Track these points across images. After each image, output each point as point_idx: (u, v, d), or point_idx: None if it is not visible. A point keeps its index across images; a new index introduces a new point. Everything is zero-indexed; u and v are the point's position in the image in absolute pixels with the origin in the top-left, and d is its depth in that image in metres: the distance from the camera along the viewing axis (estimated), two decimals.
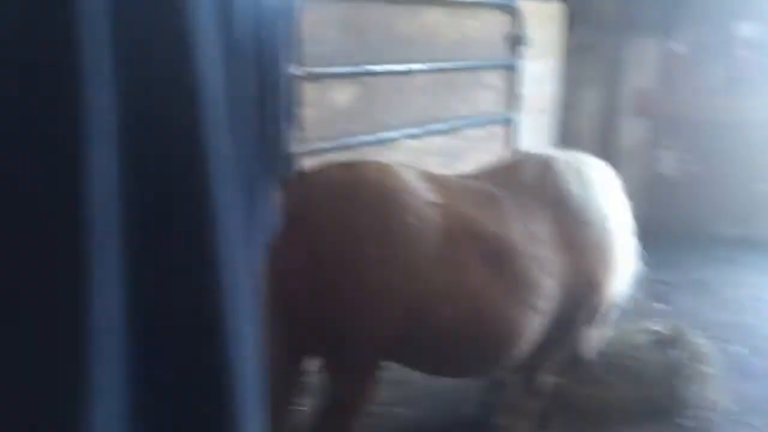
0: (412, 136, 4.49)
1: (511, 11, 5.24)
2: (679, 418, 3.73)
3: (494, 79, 5.30)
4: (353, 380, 2.58)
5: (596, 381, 3.82)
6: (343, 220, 2.40)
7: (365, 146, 4.15)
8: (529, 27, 5.43)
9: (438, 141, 4.85)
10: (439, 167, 4.77)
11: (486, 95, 5.24)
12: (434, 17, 4.58)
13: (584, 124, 8.04)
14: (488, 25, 5.11)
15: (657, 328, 4.18)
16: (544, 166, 2.99)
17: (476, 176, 3.03)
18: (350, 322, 2.43)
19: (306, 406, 3.53)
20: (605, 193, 3.08)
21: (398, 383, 4.00)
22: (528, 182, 2.90)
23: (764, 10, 6.75)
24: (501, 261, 2.66)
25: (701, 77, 7.20)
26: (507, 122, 5.48)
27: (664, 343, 4.02)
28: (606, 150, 7.83)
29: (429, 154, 4.78)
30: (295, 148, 3.52)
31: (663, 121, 7.50)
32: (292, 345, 2.51)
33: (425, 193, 2.54)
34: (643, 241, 5.14)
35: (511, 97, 5.44)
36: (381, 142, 4.26)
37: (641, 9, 7.38)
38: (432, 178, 2.67)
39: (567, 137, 7.94)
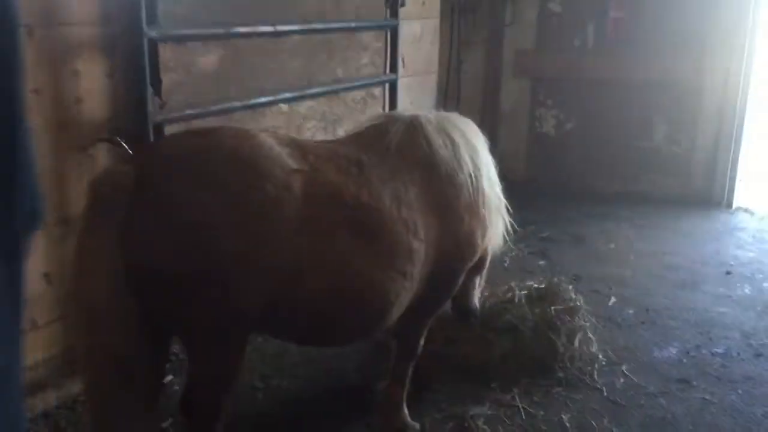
0: (286, 101, 4.35)
1: None
2: (557, 370, 3.83)
3: (372, 40, 5.21)
4: (217, 355, 2.46)
5: (475, 339, 3.87)
6: (196, 191, 2.26)
7: (235, 112, 3.98)
8: None
9: (316, 105, 4.73)
10: (318, 132, 4.68)
11: (364, 57, 5.14)
12: None
13: (467, 85, 8.11)
14: None
15: (533, 283, 4.26)
16: (410, 127, 2.94)
17: (342, 141, 2.95)
18: (209, 294, 2.31)
19: (175, 383, 3.42)
20: (473, 153, 3.06)
21: (277, 355, 3.94)
22: (395, 145, 2.84)
23: None
24: (368, 228, 2.59)
25: (576, 37, 7.36)
26: (387, 84, 5.41)
27: (540, 298, 4.10)
28: (488, 110, 7.95)
29: (306, 118, 4.66)
30: (155, 115, 3.34)
31: (542, 81, 7.64)
32: (155, 322, 2.37)
33: (286, 159, 2.43)
34: (524, 199, 5.27)
35: (391, 58, 5.36)
36: (252, 108, 4.10)
37: None
38: (294, 144, 2.56)
39: (450, 98, 8.00)
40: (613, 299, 4.86)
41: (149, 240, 2.24)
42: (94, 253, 2.23)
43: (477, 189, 3.00)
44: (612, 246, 5.91)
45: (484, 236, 3.14)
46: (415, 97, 5.88)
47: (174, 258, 2.25)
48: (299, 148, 2.54)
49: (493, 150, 3.37)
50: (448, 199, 2.90)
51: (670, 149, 7.12)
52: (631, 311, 4.68)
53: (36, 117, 3.07)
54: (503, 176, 3.46)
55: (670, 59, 6.86)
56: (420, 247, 2.75)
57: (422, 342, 3.32)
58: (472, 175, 2.97)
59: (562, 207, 6.89)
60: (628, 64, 7.05)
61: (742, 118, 6.82)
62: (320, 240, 2.45)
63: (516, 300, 4.04)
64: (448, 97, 7.99)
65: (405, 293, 2.75)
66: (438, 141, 2.92)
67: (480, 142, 3.15)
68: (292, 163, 2.44)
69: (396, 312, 2.79)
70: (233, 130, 2.53)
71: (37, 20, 3.01)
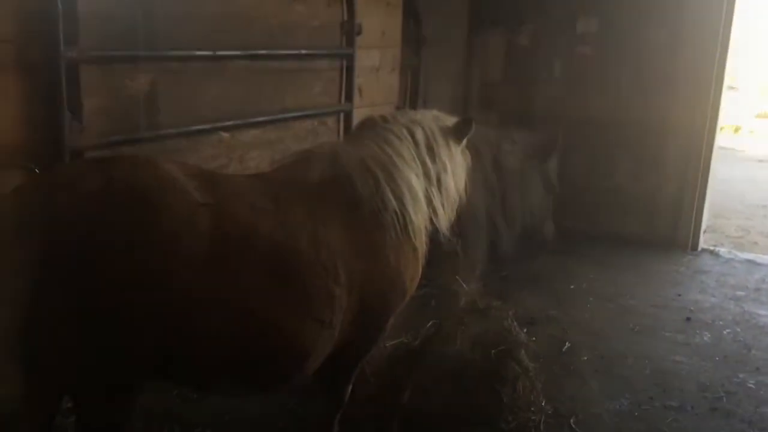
0: (226, 129, 4.14)
1: None
2: (499, 422, 3.61)
3: (327, 68, 5.04)
4: (103, 404, 2.22)
5: (414, 386, 3.64)
6: (86, 225, 2.05)
7: (168, 140, 3.76)
8: (364, 15, 5.20)
9: (261, 134, 4.52)
10: (263, 162, 4.47)
11: (317, 85, 4.96)
12: (253, 1, 4.24)
13: None
14: (318, 11, 4.82)
15: (482, 326, 4.05)
16: (331, 163, 2.73)
17: (260, 176, 2.74)
18: (95, 337, 2.08)
19: None
20: (400, 182, 2.85)
21: (200, 400, 3.69)
22: (314, 181, 2.64)
23: (603, 7, 6.85)
24: (281, 270, 2.38)
25: (543, 71, 7.25)
26: (342, 114, 5.23)
27: (486, 342, 3.89)
28: None
29: (251, 147, 4.46)
30: (74, 140, 3.11)
31: (508, 114, 7.50)
32: (43, 375, 2.15)
33: (192, 192, 2.23)
34: (485, 236, 5.08)
35: (346, 87, 5.19)
36: (188, 136, 3.88)
37: (488, 3, 7.37)
38: (204, 176, 2.36)
39: None
40: (567, 344, 4.66)
41: (38, 278, 2.02)
42: None
43: (405, 227, 2.79)
44: (572, 287, 5.74)
45: (413, 278, 2.94)
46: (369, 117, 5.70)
47: (64, 298, 2.02)
48: (208, 180, 2.34)
49: None
50: (372, 240, 2.70)
51: (634, 187, 6.98)
52: (585, 358, 4.48)
53: None
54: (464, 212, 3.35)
55: (636, 98, 6.75)
56: (341, 293, 2.54)
57: (349, 390, 3.10)
58: (398, 212, 2.77)
59: (523, 244, 6.70)
60: (594, 100, 6.94)
61: (709, 158, 6.71)
62: (224, 280, 2.23)
63: (458, 343, 3.82)
64: None
65: (323, 341, 2.53)
66: (359, 179, 2.72)
67: (410, 164, 2.95)
68: (198, 197, 2.23)
69: (314, 361, 2.57)
70: (132, 159, 2.32)
71: None
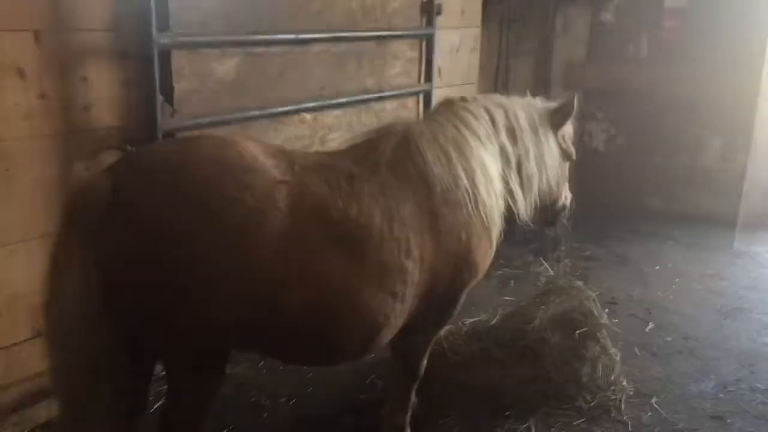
0: (309, 110, 4.25)
1: None
2: (578, 400, 3.61)
3: (406, 49, 5.08)
4: (194, 375, 2.36)
5: (491, 362, 3.68)
6: (170, 202, 2.16)
7: (253, 121, 3.90)
8: None
9: (342, 115, 4.62)
10: (344, 142, 4.56)
11: (397, 66, 5.01)
12: None
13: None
14: None
15: (562, 306, 4.03)
16: (403, 141, 2.78)
17: (335, 153, 2.81)
18: (186, 313, 2.21)
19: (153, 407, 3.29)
20: (472, 162, 2.87)
21: (286, 372, 3.83)
22: (387, 159, 2.69)
23: None
24: (356, 245, 2.45)
25: (629, 48, 7.07)
26: (421, 94, 5.27)
27: (566, 321, 3.87)
28: None
29: (332, 129, 4.56)
30: (165, 123, 3.29)
31: (591, 93, 7.36)
32: (134, 340, 2.30)
33: (271, 170, 2.32)
34: (570, 216, 5.05)
35: (425, 68, 5.22)
36: (272, 117, 4.01)
37: None
38: (282, 155, 2.44)
39: None
40: (650, 325, 4.59)
41: (123, 252, 2.16)
42: (66, 265, 2.17)
43: (476, 205, 2.81)
44: (656, 267, 5.62)
45: (486, 254, 2.96)
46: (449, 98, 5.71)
47: (146, 271, 2.16)
48: (286, 158, 2.42)
49: None
50: (443, 217, 2.73)
51: (723, 167, 6.74)
52: (668, 339, 4.40)
53: (43, 123, 3.07)
54: None
55: (727, 72, 6.49)
56: (413, 267, 2.59)
57: (424, 363, 3.16)
58: (469, 191, 2.79)
59: (609, 225, 6.61)
60: (681, 77, 6.71)
61: None
62: (304, 255, 2.32)
63: (538, 322, 3.83)
64: None
65: (396, 314, 2.60)
66: (431, 157, 2.75)
67: (486, 145, 2.96)
68: (277, 174, 2.32)
69: (387, 333, 2.64)
70: (216, 139, 2.43)
71: (45, 25, 2.99)
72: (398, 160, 2.72)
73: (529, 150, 3.16)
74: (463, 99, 3.14)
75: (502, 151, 3.06)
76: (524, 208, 3.16)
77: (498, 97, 3.28)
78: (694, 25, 6.64)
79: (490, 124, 3.06)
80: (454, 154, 2.81)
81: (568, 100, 3.42)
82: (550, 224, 3.78)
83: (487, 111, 3.08)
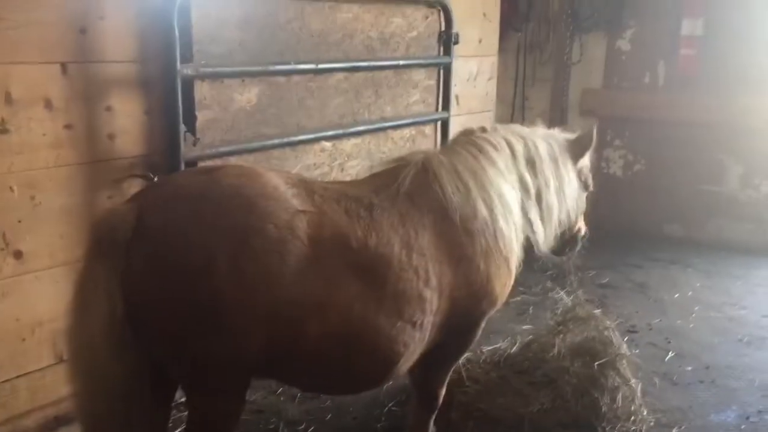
0: (328, 138, 4.30)
1: (442, 7, 5.07)
2: (597, 430, 3.58)
3: (424, 77, 5.13)
4: (214, 402, 2.38)
5: (510, 391, 3.66)
6: (194, 231, 2.20)
7: (273, 149, 3.95)
8: (462, 26, 5.27)
9: (361, 143, 4.67)
10: (363, 171, 4.61)
11: (415, 94, 5.06)
12: (353, 14, 4.39)
13: (533, 123, 7.92)
14: (415, 23, 4.93)
15: (581, 335, 4.02)
16: (422, 171, 2.82)
17: (354, 183, 2.86)
18: (205, 339, 2.24)
19: None
20: (487, 194, 2.89)
21: (305, 399, 3.84)
22: (406, 189, 2.72)
23: (708, 7, 6.64)
24: (375, 274, 2.48)
25: (646, 76, 7.09)
26: (439, 122, 5.31)
27: (585, 350, 3.86)
28: None
29: (350, 156, 4.61)
30: (188, 152, 3.34)
31: (608, 119, 7.38)
32: (156, 365, 2.33)
33: (292, 200, 2.36)
34: (586, 242, 5.03)
35: (443, 96, 5.27)
36: (291, 145, 4.06)
37: (587, 7, 7.28)
38: (303, 185, 2.48)
39: None
40: (670, 354, 4.55)
41: (147, 281, 2.20)
42: (91, 292, 2.21)
43: (495, 234, 2.83)
44: (676, 296, 5.57)
45: (505, 284, 2.97)
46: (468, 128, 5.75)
47: (170, 300, 2.20)
48: (306, 188, 2.46)
49: None
50: (462, 246, 2.75)
51: (743, 193, 6.71)
52: (689, 368, 4.36)
53: (69, 152, 3.13)
54: None
55: (745, 98, 6.49)
56: (432, 296, 2.61)
57: (443, 392, 3.16)
58: (487, 220, 2.82)
59: (627, 252, 6.58)
60: (699, 104, 6.72)
61: None
62: (324, 284, 2.35)
63: (556, 351, 3.81)
64: None
65: (415, 343, 2.61)
66: (450, 186, 2.78)
67: (504, 174, 2.98)
68: (298, 204, 2.36)
69: (405, 362, 2.65)
70: (239, 169, 2.48)
71: (72, 57, 3.07)
72: (417, 189, 2.75)
73: (549, 181, 3.18)
74: (483, 129, 3.17)
75: (522, 181, 3.08)
76: (543, 239, 3.17)
77: (518, 127, 3.31)
78: (710, 52, 6.66)
79: (509, 154, 3.09)
80: (472, 184, 2.83)
81: (587, 132, 3.45)
82: (563, 254, 3.78)
83: (507, 141, 3.11)
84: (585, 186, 3.51)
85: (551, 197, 3.21)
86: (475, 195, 2.82)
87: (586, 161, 3.54)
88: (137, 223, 2.21)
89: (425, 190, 2.77)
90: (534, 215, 3.13)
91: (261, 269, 2.24)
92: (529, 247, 3.23)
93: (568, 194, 3.30)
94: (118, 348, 2.21)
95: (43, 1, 2.94)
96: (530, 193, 3.13)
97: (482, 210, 2.82)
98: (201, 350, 2.27)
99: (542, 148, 3.20)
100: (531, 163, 3.15)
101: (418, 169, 2.82)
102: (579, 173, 3.45)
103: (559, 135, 3.43)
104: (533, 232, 3.14)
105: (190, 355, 2.29)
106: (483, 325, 3.05)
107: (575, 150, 3.38)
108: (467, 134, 3.15)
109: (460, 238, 2.75)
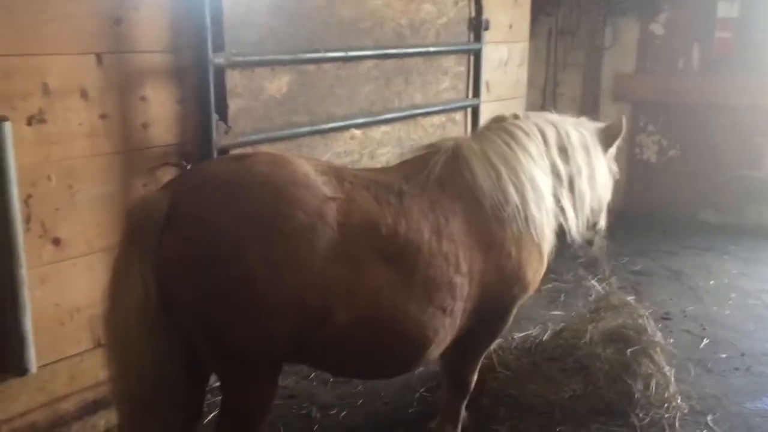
0: (358, 126, 4.31)
1: None
2: (631, 417, 3.56)
3: (454, 64, 5.11)
4: (247, 386, 2.41)
5: (541, 377, 3.66)
6: (225, 217, 2.24)
7: (303, 137, 3.98)
8: (492, 11, 5.23)
9: (391, 130, 4.67)
10: (393, 158, 4.62)
11: (445, 81, 5.05)
12: (383, 1, 4.39)
13: (564, 109, 7.85)
14: (445, 9, 4.91)
15: (614, 322, 3.99)
16: (453, 157, 2.81)
17: (384, 170, 2.87)
18: (238, 324, 2.28)
19: (208, 417, 3.35)
20: (522, 177, 2.88)
21: (339, 383, 3.88)
22: (436, 175, 2.72)
23: None
24: (405, 260, 2.49)
25: (680, 59, 6.98)
26: (469, 108, 5.29)
27: (618, 336, 3.83)
28: None
29: (381, 144, 4.61)
30: (220, 140, 3.38)
31: (643, 105, 7.28)
32: (189, 350, 2.37)
33: (321, 186, 2.38)
34: (620, 229, 5.01)
35: (473, 82, 5.25)
36: (321, 133, 4.08)
37: None
38: (333, 172, 2.50)
39: None
40: (705, 341, 4.50)
41: (179, 266, 2.24)
42: (126, 278, 2.25)
43: (526, 221, 2.82)
44: (711, 282, 5.50)
45: (537, 270, 2.96)
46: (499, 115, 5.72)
47: (202, 284, 2.23)
48: (336, 175, 2.48)
49: None
50: (493, 232, 2.75)
51: None
52: (724, 355, 4.31)
53: (104, 141, 3.19)
54: None
55: None
56: (462, 282, 2.61)
57: (474, 378, 3.17)
58: (519, 206, 2.80)
59: (661, 239, 6.51)
60: (735, 87, 6.59)
61: None
62: (353, 270, 2.37)
63: (588, 337, 3.80)
64: None
65: (445, 329, 2.62)
66: (481, 172, 2.78)
67: (536, 160, 2.96)
68: (327, 191, 2.38)
69: (436, 348, 2.66)
70: (269, 156, 2.50)
71: (106, 47, 3.12)
72: (448, 175, 2.75)
73: (581, 168, 3.16)
74: (515, 116, 3.16)
75: (554, 168, 3.07)
76: (576, 226, 3.16)
77: (549, 115, 3.29)
78: (747, 35, 6.53)
79: (541, 141, 3.08)
80: (504, 170, 2.83)
81: (617, 121, 3.42)
82: (593, 242, 3.74)
83: (539, 128, 3.09)
84: (612, 175, 3.49)
85: (583, 185, 3.19)
86: (506, 181, 2.81)
87: (613, 150, 3.51)
88: (170, 210, 2.25)
89: (456, 177, 2.77)
90: (566, 202, 3.12)
91: (290, 254, 2.26)
92: (561, 234, 3.21)
93: (599, 182, 3.28)
94: (152, 333, 2.25)
95: None
96: (562, 180, 3.11)
97: (513, 196, 2.81)
98: (233, 335, 2.30)
99: (574, 136, 3.18)
100: (563, 151, 3.13)
101: (448, 155, 2.81)
102: (609, 162, 3.42)
103: (590, 123, 3.41)
104: (566, 219, 3.12)
105: (222, 340, 2.32)
106: (514, 311, 3.04)
107: (605, 139, 3.36)
108: (499, 121, 3.14)
109: (491, 225, 2.75)
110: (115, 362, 2.33)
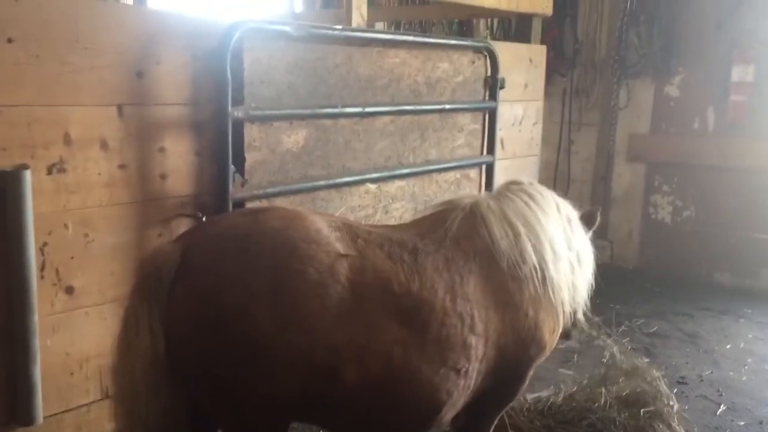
0: (372, 180, 4.33)
1: (488, 53, 5.12)
2: None
3: (469, 121, 5.16)
4: None
5: None
6: (236, 271, 2.24)
7: (318, 191, 4.00)
8: (508, 71, 5.30)
9: (406, 185, 4.68)
10: (406, 213, 4.63)
11: (459, 138, 5.08)
12: (401, 59, 4.46)
13: (578, 168, 7.89)
14: (462, 68, 4.98)
15: (628, 385, 3.92)
16: (470, 215, 2.81)
17: (399, 227, 2.87)
18: (244, 380, 2.25)
19: None
20: (538, 240, 2.87)
21: None
22: (452, 233, 2.72)
23: (757, 54, 6.57)
24: (418, 319, 2.46)
25: (695, 121, 7.02)
26: (483, 166, 5.31)
27: (633, 401, 3.76)
28: (600, 194, 7.66)
29: (395, 199, 4.62)
30: (236, 192, 3.40)
31: (657, 165, 7.30)
32: (196, 405, 2.34)
33: (334, 243, 2.38)
34: (634, 290, 4.95)
35: (488, 140, 5.28)
36: (336, 187, 4.10)
37: (634, 53, 7.27)
38: (346, 228, 2.50)
39: (561, 181, 7.80)
40: (722, 407, 4.40)
41: (188, 318, 2.24)
42: (136, 330, 2.25)
43: (543, 281, 2.80)
44: (728, 346, 5.42)
45: (554, 331, 2.92)
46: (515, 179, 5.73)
47: (210, 338, 2.22)
48: (350, 232, 2.48)
49: (603, 235, 3.17)
50: (509, 292, 2.73)
51: None
52: (741, 423, 4.21)
53: (122, 191, 3.22)
54: (613, 264, 3.24)
55: None
56: (477, 342, 2.58)
57: None
58: (537, 267, 2.78)
59: (676, 300, 6.44)
60: (750, 150, 6.61)
61: None
62: (364, 330, 2.35)
63: (603, 401, 3.72)
64: (558, 178, 7.81)
65: (459, 391, 2.57)
66: (499, 231, 2.77)
67: (553, 223, 2.94)
68: (340, 248, 2.38)
69: (449, 410, 2.62)
70: (283, 212, 2.51)
71: (128, 99, 3.17)
72: (464, 233, 2.74)
73: (582, 241, 3.14)
74: (530, 182, 3.14)
75: (566, 236, 3.04)
76: (582, 294, 3.09)
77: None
78: (761, 98, 6.57)
79: (555, 206, 3.06)
80: (522, 229, 2.82)
81: (594, 211, 3.36)
82: (566, 334, 3.53)
83: (551, 194, 3.09)
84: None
85: (584, 257, 3.15)
86: (524, 240, 2.80)
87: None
88: (182, 262, 2.25)
89: (472, 235, 2.76)
90: (576, 272, 3.07)
91: (300, 312, 2.25)
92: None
93: (585, 266, 3.17)
94: (160, 386, 2.24)
95: (105, 46, 3.06)
96: (573, 248, 3.08)
97: (531, 256, 2.79)
98: (238, 390, 2.28)
99: (573, 213, 3.19)
100: (569, 221, 3.12)
101: (465, 213, 2.82)
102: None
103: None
104: (575, 288, 3.07)
105: (228, 395, 2.30)
106: (531, 373, 3.00)
107: (585, 223, 3.29)
108: (516, 183, 3.14)
109: (508, 284, 2.73)
110: (122, 415, 2.31)
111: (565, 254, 2.95)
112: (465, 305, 2.57)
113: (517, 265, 2.76)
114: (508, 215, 2.85)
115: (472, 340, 2.57)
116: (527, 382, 3.03)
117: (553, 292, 2.85)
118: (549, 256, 2.85)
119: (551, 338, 2.95)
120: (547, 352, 3.00)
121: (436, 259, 2.59)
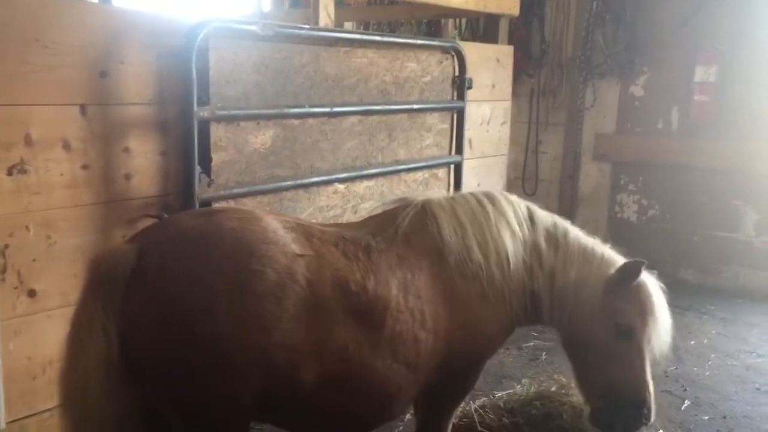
0: (340, 181, 4.32)
1: (456, 53, 5.14)
2: None
3: (437, 121, 5.17)
4: None
5: None
6: (194, 273, 2.22)
7: (286, 191, 3.98)
8: (475, 71, 5.33)
9: (374, 185, 4.69)
10: (375, 211, 4.62)
11: (428, 138, 5.10)
12: (368, 59, 4.45)
13: (545, 167, 7.97)
14: (429, 68, 4.99)
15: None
16: (421, 213, 2.84)
17: (353, 225, 2.88)
18: (202, 381, 2.23)
19: None
20: (484, 239, 2.87)
21: None
22: (404, 231, 2.75)
23: (719, 55, 6.68)
24: (373, 316, 2.49)
25: (659, 121, 7.12)
26: (452, 165, 5.33)
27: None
28: (566, 193, 7.74)
29: (363, 198, 4.62)
30: (202, 192, 3.36)
31: (623, 165, 7.40)
32: (151, 407, 2.31)
33: (291, 244, 2.38)
34: None
35: (456, 140, 5.30)
36: (304, 187, 4.09)
37: (600, 53, 7.36)
38: (301, 228, 2.50)
39: (529, 180, 7.87)
40: (686, 403, 4.47)
41: (144, 321, 2.21)
42: (88, 333, 2.20)
43: (490, 280, 2.81)
44: (692, 343, 5.50)
45: (502, 329, 2.95)
46: (483, 178, 5.77)
47: (168, 340, 2.20)
48: (304, 232, 2.49)
49: None
50: (458, 288, 2.76)
51: (759, 240, 6.66)
52: (705, 417, 4.28)
53: (85, 192, 3.17)
54: None
55: (759, 144, 6.49)
56: (427, 338, 2.62)
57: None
58: (482, 266, 2.80)
59: None
60: (713, 150, 6.72)
61: None
62: (321, 328, 2.36)
63: (573, 399, 3.77)
64: (526, 178, 7.87)
65: (409, 385, 2.61)
66: (448, 228, 2.80)
67: (506, 224, 2.94)
68: (296, 248, 2.38)
69: (399, 405, 2.67)
70: (239, 212, 2.50)
71: (91, 99, 3.13)
72: (415, 230, 2.77)
73: (567, 267, 3.00)
74: (506, 196, 3.13)
75: (535, 248, 2.99)
76: (548, 313, 3.02)
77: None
78: (724, 99, 6.68)
79: (526, 215, 3.03)
80: (470, 228, 2.84)
81: (637, 265, 3.31)
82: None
83: (530, 207, 3.07)
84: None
85: (567, 283, 2.99)
86: (471, 238, 2.82)
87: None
88: (137, 263, 2.22)
89: (422, 232, 2.79)
90: (543, 290, 2.98)
91: (258, 313, 2.24)
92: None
93: (586, 300, 3.00)
94: (113, 392, 2.19)
95: (67, 45, 3.01)
96: (543, 265, 2.98)
97: (477, 254, 2.81)
98: (197, 392, 2.26)
99: (571, 235, 3.07)
100: (551, 239, 3.02)
101: (417, 210, 2.84)
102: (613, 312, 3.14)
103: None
104: (539, 303, 3.00)
105: (186, 397, 2.28)
106: (480, 370, 3.03)
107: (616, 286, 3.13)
108: (487, 192, 3.11)
109: (456, 281, 2.76)
110: (72, 423, 2.25)
111: (514, 259, 2.90)
112: (416, 302, 2.61)
113: (464, 262, 2.79)
114: (457, 213, 2.88)
115: (423, 335, 2.61)
116: (478, 377, 3.06)
117: (494, 295, 2.85)
118: (492, 257, 2.85)
119: (499, 336, 2.99)
120: (496, 350, 3.03)
121: (389, 257, 2.62)
